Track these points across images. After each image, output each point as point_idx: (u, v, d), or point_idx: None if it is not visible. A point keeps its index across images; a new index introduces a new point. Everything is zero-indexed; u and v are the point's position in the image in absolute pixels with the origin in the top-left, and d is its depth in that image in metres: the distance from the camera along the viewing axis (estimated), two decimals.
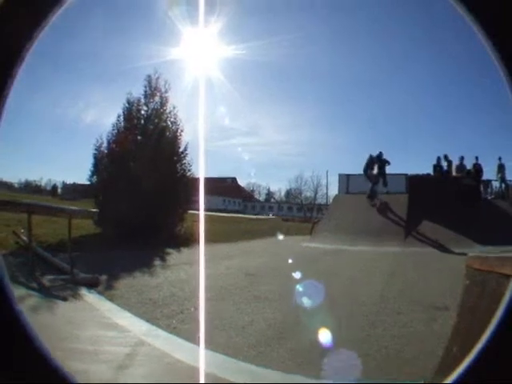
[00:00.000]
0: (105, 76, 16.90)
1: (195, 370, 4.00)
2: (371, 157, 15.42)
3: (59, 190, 23.53)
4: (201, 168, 9.60)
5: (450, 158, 17.55)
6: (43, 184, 24.50)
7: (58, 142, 20.24)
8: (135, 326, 5.74)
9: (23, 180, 23.35)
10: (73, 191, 20.64)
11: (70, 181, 23.10)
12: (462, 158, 17.55)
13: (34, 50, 1.13)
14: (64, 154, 18.83)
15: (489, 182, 18.03)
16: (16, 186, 22.39)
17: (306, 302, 6.59)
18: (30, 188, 23.39)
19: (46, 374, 1.09)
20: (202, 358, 4.33)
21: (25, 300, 6.08)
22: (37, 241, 9.73)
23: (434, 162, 17.54)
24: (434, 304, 6.41)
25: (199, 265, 6.07)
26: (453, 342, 3.15)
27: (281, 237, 16.44)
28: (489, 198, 17.48)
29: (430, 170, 17.35)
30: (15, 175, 22.42)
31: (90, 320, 5.78)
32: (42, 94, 16.21)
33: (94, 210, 11.56)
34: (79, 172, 21.04)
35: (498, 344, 1.05)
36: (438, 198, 13.88)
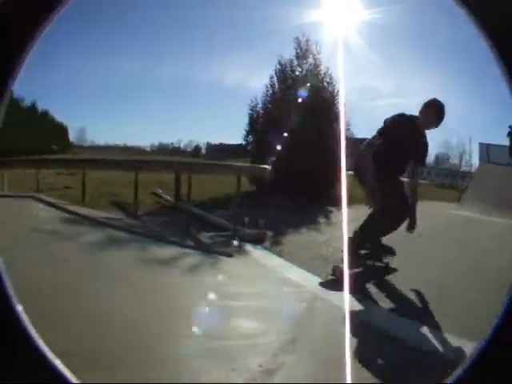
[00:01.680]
0: (247, 41, 17.00)
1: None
2: None
3: (203, 151, 22.09)
4: (341, 127, 9.24)
5: None
6: (182, 146, 22.38)
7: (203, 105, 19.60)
8: (308, 281, 5.78)
9: (156, 143, 21.59)
10: (220, 151, 20.26)
11: (215, 142, 21.67)
12: None
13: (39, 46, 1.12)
14: (211, 116, 18.90)
15: None
16: (148, 149, 20.79)
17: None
18: (165, 151, 21.90)
19: (46, 373, 1.11)
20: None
21: (181, 259, 6.26)
22: (182, 200, 10.13)
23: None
24: None
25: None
26: None
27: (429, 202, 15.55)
28: None
29: None
30: (146, 139, 21.49)
31: (261, 276, 5.84)
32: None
33: (265, 166, 11.04)
34: (223, 134, 20.98)
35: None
36: None
